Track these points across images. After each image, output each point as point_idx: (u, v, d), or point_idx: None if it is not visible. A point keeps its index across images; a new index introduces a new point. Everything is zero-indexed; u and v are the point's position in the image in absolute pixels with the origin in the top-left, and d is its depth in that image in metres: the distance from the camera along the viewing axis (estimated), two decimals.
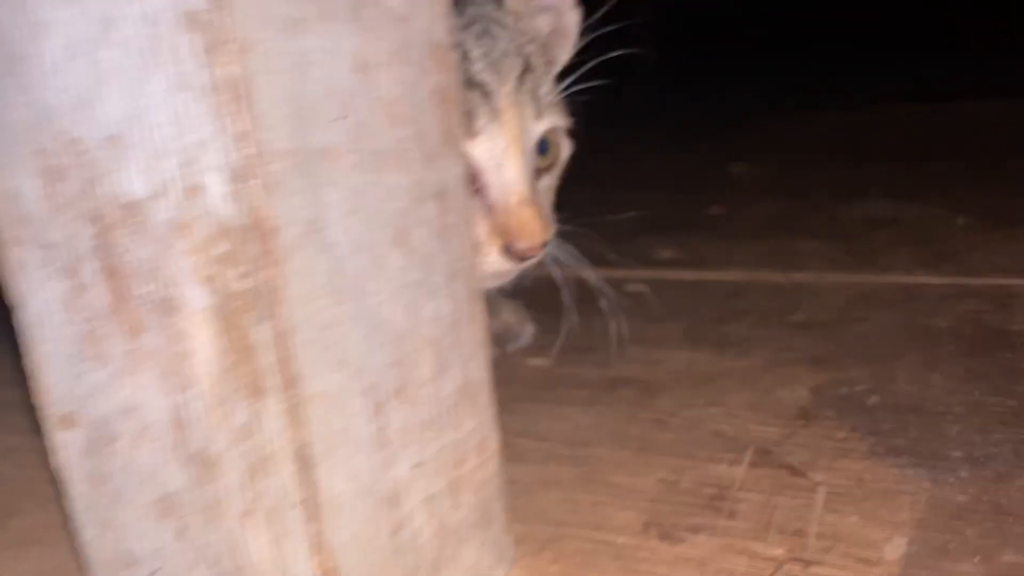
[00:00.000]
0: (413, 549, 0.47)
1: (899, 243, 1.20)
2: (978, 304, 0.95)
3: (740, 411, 0.76)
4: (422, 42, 0.46)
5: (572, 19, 0.80)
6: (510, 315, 0.94)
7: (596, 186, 1.73)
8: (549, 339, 0.94)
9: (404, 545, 0.46)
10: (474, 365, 0.52)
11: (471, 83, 0.67)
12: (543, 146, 0.74)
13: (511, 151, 0.68)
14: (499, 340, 0.93)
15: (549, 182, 0.76)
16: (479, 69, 0.67)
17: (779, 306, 1.01)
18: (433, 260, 0.47)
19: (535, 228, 0.68)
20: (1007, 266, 1.05)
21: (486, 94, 0.67)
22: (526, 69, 0.70)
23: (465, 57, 0.67)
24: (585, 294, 1.09)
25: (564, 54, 0.80)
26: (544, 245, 0.71)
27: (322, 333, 0.40)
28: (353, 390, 0.42)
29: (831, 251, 1.20)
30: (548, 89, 0.73)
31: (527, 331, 0.95)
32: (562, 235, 0.81)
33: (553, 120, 0.73)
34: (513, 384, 0.86)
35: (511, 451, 0.70)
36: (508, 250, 0.69)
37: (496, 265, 0.70)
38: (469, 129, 0.66)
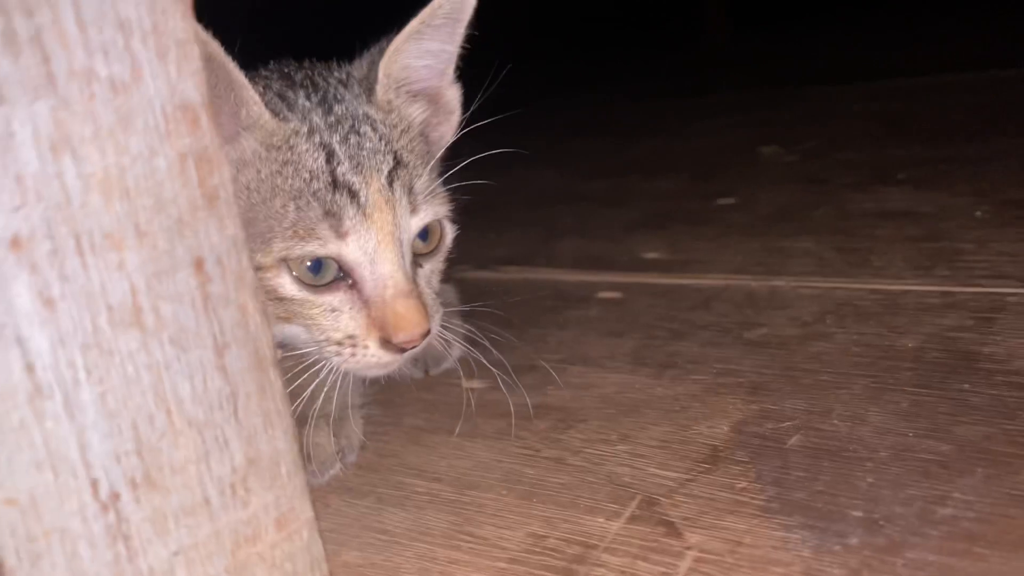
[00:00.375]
0: None
1: (900, 240, 1.10)
2: (959, 318, 0.87)
3: (649, 450, 0.71)
4: (157, 107, 0.42)
5: (453, 96, 0.78)
6: (435, 338, 0.91)
7: (611, 174, 1.67)
8: (517, 355, 0.90)
9: None
10: (265, 438, 0.49)
11: (338, 184, 0.66)
12: (423, 233, 0.72)
13: (383, 247, 0.67)
14: (424, 363, 0.90)
15: (433, 266, 0.75)
16: (345, 170, 0.66)
17: (744, 319, 0.95)
18: (191, 335, 0.45)
19: (413, 320, 0.67)
20: (1007, 271, 0.95)
21: (353, 194, 0.66)
22: (397, 165, 0.69)
23: (332, 158, 0.67)
24: (564, 303, 1.05)
25: (448, 132, 0.79)
26: (425, 335, 0.69)
27: (15, 434, 0.38)
28: (68, 487, 0.40)
29: (824, 250, 1.12)
30: (426, 181, 0.71)
31: (453, 353, 0.91)
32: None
33: (433, 211, 0.72)
34: (436, 412, 0.83)
35: (398, 494, 0.68)
36: (387, 343, 0.67)
37: (377, 357, 0.69)
38: (338, 229, 0.65)
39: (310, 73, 0.73)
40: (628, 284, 1.11)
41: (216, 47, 0.61)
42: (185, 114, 0.44)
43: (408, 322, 0.66)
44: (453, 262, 1.24)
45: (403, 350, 0.68)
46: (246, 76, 0.65)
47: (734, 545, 0.57)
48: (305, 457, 0.70)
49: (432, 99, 0.77)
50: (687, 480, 0.66)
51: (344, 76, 0.73)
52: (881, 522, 0.58)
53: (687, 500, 0.63)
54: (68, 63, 0.39)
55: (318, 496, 0.69)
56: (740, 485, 0.64)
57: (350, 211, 0.66)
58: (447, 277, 1.02)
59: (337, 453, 0.73)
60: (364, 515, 0.67)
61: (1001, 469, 0.61)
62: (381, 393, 0.87)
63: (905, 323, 0.88)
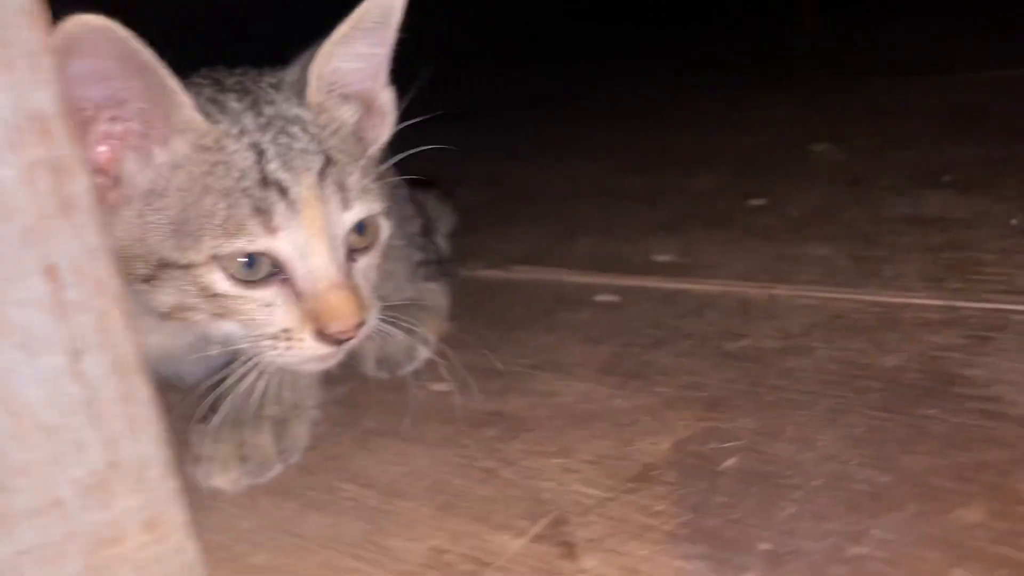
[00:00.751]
0: None
1: (921, 249, 1.04)
2: (954, 336, 0.81)
3: (581, 465, 0.69)
4: (3, 118, 0.43)
5: (386, 98, 0.78)
6: (401, 339, 0.90)
7: (650, 170, 1.64)
8: (487, 360, 0.90)
9: None
10: (129, 442, 0.49)
11: (267, 181, 0.67)
12: (360, 228, 0.72)
13: (314, 241, 0.67)
14: (388, 366, 0.90)
15: (369, 261, 0.74)
16: (275, 168, 0.67)
17: (730, 328, 0.91)
18: (41, 341, 0.46)
19: (346, 311, 0.67)
20: (1021, 286, 0.88)
21: (283, 191, 0.67)
22: (328, 163, 0.69)
23: (262, 157, 0.67)
24: (559, 305, 1.03)
25: (384, 133, 0.79)
26: (359, 326, 0.68)
27: None
28: None
29: (839, 258, 1.06)
30: (358, 178, 0.71)
31: (419, 355, 0.91)
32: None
33: (367, 207, 0.72)
34: (392, 415, 0.83)
35: (325, 498, 0.68)
36: (322, 334, 0.67)
37: (313, 350, 0.68)
38: (268, 225, 0.66)
39: (241, 78, 0.74)
40: (629, 288, 1.09)
41: (148, 54, 0.62)
42: (35, 124, 0.45)
43: (341, 312, 0.67)
44: (465, 259, 1.25)
45: (339, 341, 0.68)
46: (184, 81, 0.66)
47: (627, 572, 0.55)
48: (242, 457, 0.71)
49: (365, 101, 0.77)
50: (607, 499, 0.64)
51: (275, 80, 0.74)
52: (786, 557, 0.54)
53: (598, 520, 0.61)
54: None
55: (251, 496, 0.70)
56: (657, 508, 0.62)
57: (280, 207, 0.67)
58: (436, 276, 1.02)
59: (280, 454, 0.74)
60: (287, 518, 0.68)
61: (934, 506, 0.57)
62: (349, 394, 0.88)
63: (895, 340, 0.82)
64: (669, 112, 2.27)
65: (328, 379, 0.88)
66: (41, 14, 0.45)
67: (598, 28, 4.36)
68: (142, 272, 0.67)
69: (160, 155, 0.66)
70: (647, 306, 1.02)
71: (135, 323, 0.74)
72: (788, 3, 3.40)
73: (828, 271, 1.02)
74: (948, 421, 0.67)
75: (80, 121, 0.63)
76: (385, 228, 0.75)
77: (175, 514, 0.52)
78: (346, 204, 0.70)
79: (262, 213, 0.66)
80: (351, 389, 0.89)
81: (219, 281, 0.67)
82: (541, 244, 1.32)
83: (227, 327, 0.69)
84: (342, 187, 0.69)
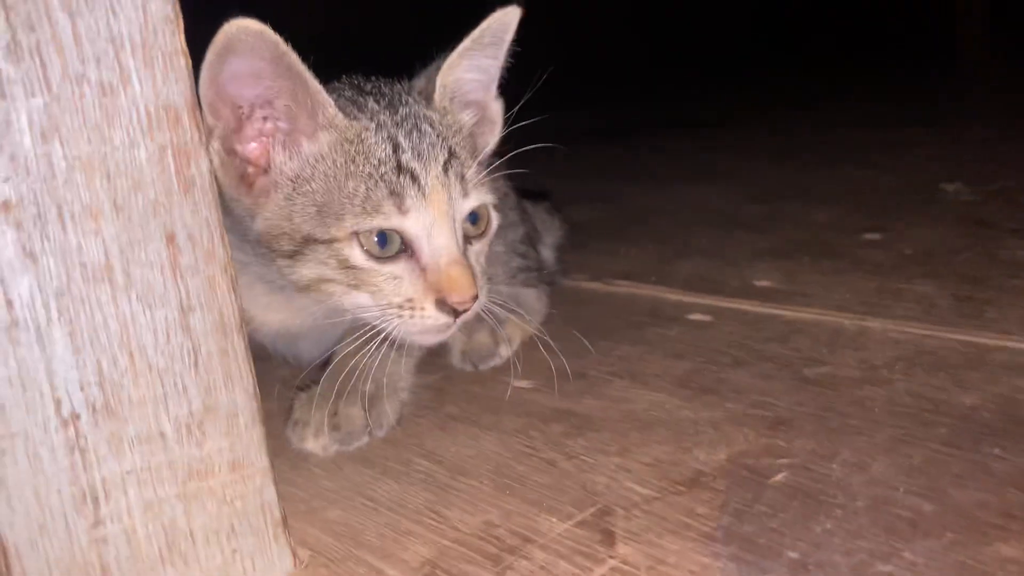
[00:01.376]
0: (120, 543, 0.55)
1: None
2: None
3: (637, 466, 0.72)
4: (141, 107, 0.52)
5: (495, 108, 0.88)
6: (485, 337, 0.96)
7: (773, 199, 1.64)
8: (576, 363, 0.94)
9: (107, 538, 0.54)
10: (224, 392, 0.57)
11: (402, 169, 0.76)
12: (474, 217, 0.81)
13: (439, 222, 0.76)
14: (472, 359, 0.96)
15: (480, 247, 0.83)
16: (408, 158, 0.76)
17: (813, 355, 0.92)
18: (158, 296, 0.54)
19: (465, 283, 0.75)
20: None
21: (415, 178, 0.76)
22: (451, 156, 0.78)
23: (397, 148, 0.77)
24: (652, 320, 1.07)
25: (492, 140, 0.88)
26: (474, 299, 0.76)
27: None
28: (34, 402, 0.51)
29: (941, 297, 1.05)
30: (475, 172, 0.80)
31: (502, 352, 0.96)
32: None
33: (480, 198, 0.81)
34: (474, 403, 0.89)
35: (401, 469, 0.75)
36: (442, 304, 0.76)
37: (433, 319, 0.77)
38: (401, 207, 0.75)
39: (377, 84, 0.83)
40: (723, 309, 1.11)
41: (295, 57, 0.71)
42: (168, 113, 0.53)
43: (460, 284, 0.75)
44: (570, 270, 1.30)
45: (456, 313, 0.76)
46: (323, 86, 0.75)
47: (655, 563, 0.59)
48: (334, 426, 0.79)
49: (480, 109, 0.86)
50: (654, 498, 0.67)
51: (406, 87, 0.84)
52: (811, 567, 0.56)
53: (641, 516, 0.65)
54: (62, 69, 0.50)
55: (336, 461, 0.78)
56: (700, 510, 0.65)
57: (412, 191, 0.75)
58: (534, 283, 1.07)
59: (368, 427, 0.81)
60: (365, 482, 0.74)
61: (973, 537, 0.58)
62: (438, 382, 0.95)
63: (978, 379, 0.81)
64: (807, 144, 2.25)
65: (420, 368, 0.95)
66: (180, 22, 0.53)
67: (748, 54, 4.31)
68: (287, 248, 0.76)
69: (307, 147, 0.76)
70: (736, 327, 1.04)
71: (264, 301, 0.84)
72: (951, 31, 3.27)
73: (927, 308, 1.01)
74: (1011, 461, 0.66)
75: (237, 117, 0.73)
76: (495, 219, 0.83)
77: (258, 459, 0.59)
78: (465, 192, 0.79)
79: (396, 196, 0.75)
80: (441, 378, 0.96)
81: (356, 255, 0.76)
82: (646, 262, 1.35)
83: (359, 298, 0.78)
84: (462, 178, 0.78)
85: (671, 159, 2.32)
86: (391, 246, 0.76)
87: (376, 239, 0.75)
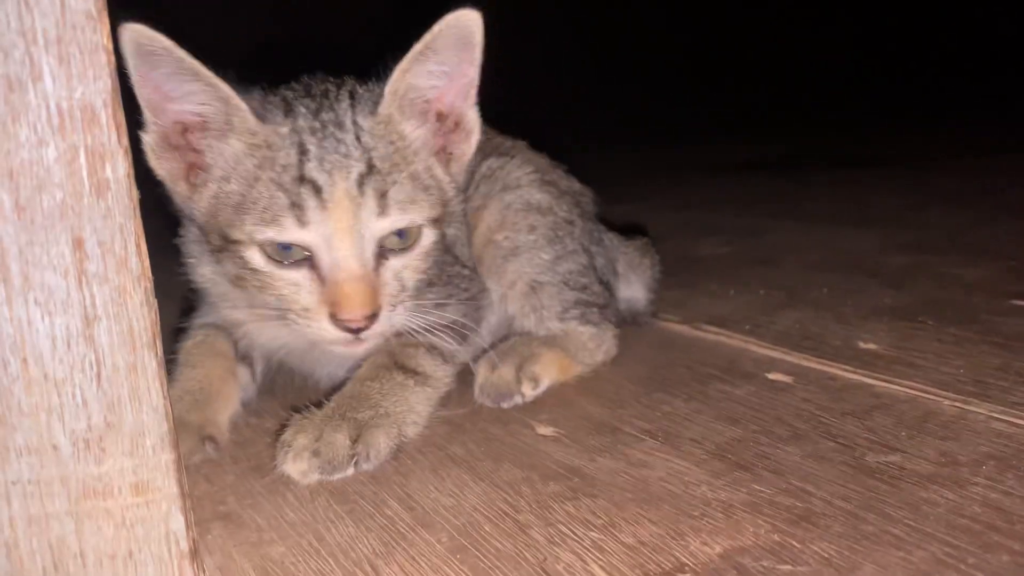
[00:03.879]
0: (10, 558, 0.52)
1: None
2: None
3: (615, 547, 0.63)
4: (52, 105, 0.50)
5: (472, 117, 0.83)
6: (509, 372, 0.88)
7: (919, 251, 1.45)
8: (614, 414, 0.86)
9: None
10: (130, 409, 0.54)
11: (304, 179, 0.73)
12: (401, 232, 0.77)
13: (339, 237, 0.73)
14: (490, 394, 0.89)
15: (405, 262, 0.78)
16: (313, 167, 0.74)
17: (888, 440, 0.78)
18: (59, 302, 0.52)
19: (357, 302, 0.73)
20: None
21: (317, 189, 0.73)
22: (370, 170, 0.74)
23: (304, 156, 0.74)
24: (723, 375, 0.97)
25: (469, 151, 0.84)
26: (370, 317, 0.74)
27: None
28: None
29: None
30: (406, 189, 0.76)
31: (524, 391, 0.88)
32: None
33: (408, 219, 0.77)
34: (483, 446, 0.81)
35: (368, 511, 0.70)
36: (335, 318, 0.74)
37: (328, 332, 0.75)
38: (300, 218, 0.73)
39: (324, 87, 0.81)
40: (809, 370, 0.97)
41: (193, 62, 0.71)
42: (83, 113, 0.51)
43: (352, 302, 0.73)
44: (665, 308, 1.19)
45: (350, 329, 0.74)
46: (270, 89, 0.79)
47: None
48: (315, 451, 0.74)
49: (453, 118, 0.82)
50: None
51: (354, 89, 0.80)
52: None
53: None
54: None
55: (315, 491, 0.73)
56: None
57: (311, 203, 0.73)
58: (595, 320, 0.98)
59: (352, 457, 0.76)
60: (325, 520, 0.69)
61: None
62: (462, 417, 0.88)
63: None
64: (981, 193, 1.99)
65: (450, 398, 0.90)
66: (104, 18, 0.50)
67: (936, 92, 3.94)
68: (216, 243, 0.77)
69: (228, 148, 0.75)
70: (815, 394, 0.90)
71: (268, 325, 0.83)
72: None
73: None
74: None
75: (172, 114, 0.74)
76: (429, 236, 0.79)
77: (165, 484, 0.55)
78: (383, 210, 0.75)
79: (296, 208, 0.73)
80: (467, 412, 0.90)
81: (255, 258, 0.75)
82: (748, 309, 1.22)
83: (268, 300, 0.77)
84: (382, 194, 0.74)
85: (826, 197, 2.13)
86: (293, 252, 0.75)
87: (278, 243, 0.74)
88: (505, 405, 0.88)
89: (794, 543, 0.61)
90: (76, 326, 0.52)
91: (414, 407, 0.82)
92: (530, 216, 0.97)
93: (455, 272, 0.92)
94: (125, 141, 0.52)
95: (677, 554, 0.61)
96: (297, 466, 0.75)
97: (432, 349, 0.85)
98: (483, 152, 1.01)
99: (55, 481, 0.53)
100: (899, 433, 0.79)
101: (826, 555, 0.59)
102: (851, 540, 0.61)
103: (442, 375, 0.86)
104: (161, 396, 0.55)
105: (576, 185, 1.11)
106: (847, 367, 0.96)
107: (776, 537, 0.62)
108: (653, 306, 1.19)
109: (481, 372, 0.89)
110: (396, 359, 0.83)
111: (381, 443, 0.78)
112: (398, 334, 0.82)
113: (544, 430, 0.84)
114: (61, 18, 0.49)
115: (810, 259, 1.50)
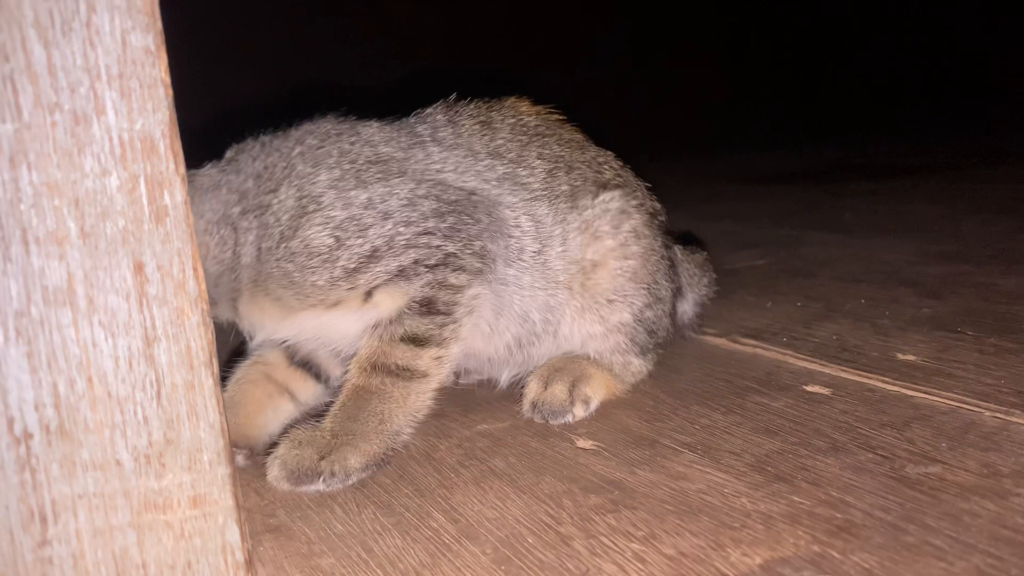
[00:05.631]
0: (66, 566, 0.55)
1: None
2: None
3: (656, 558, 0.64)
4: (115, 136, 0.53)
5: None
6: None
7: (964, 260, 1.44)
8: (653, 427, 0.87)
9: (53, 559, 0.55)
10: (188, 426, 0.56)
11: None
12: None
13: None
14: (542, 412, 0.90)
15: None
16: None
17: (928, 451, 0.78)
18: (122, 323, 0.54)
19: None
20: None
21: None
22: None
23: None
24: (761, 388, 0.98)
25: None
26: None
27: None
28: None
29: None
30: None
31: (576, 411, 0.89)
32: None
33: None
34: (525, 460, 0.83)
35: (415, 522, 0.71)
36: None
37: None
38: None
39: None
40: (847, 382, 0.97)
41: None
42: (143, 143, 0.53)
43: None
44: (701, 320, 1.20)
45: None
46: None
47: None
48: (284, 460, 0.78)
49: None
50: None
51: None
52: None
53: None
54: (35, 97, 0.51)
55: (360, 503, 0.75)
56: None
57: None
58: (646, 351, 0.99)
59: (319, 473, 0.78)
60: (373, 531, 0.71)
61: None
62: (503, 430, 0.90)
63: None
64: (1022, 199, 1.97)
65: (490, 412, 0.91)
66: (163, 54, 0.53)
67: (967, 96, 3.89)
68: None
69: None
70: (853, 406, 0.90)
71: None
72: None
73: None
74: None
75: None
76: None
77: (222, 497, 0.58)
78: None
79: None
80: (508, 426, 0.91)
81: None
82: (786, 321, 1.23)
83: None
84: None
85: (863, 207, 2.12)
86: None
87: None
88: (555, 423, 0.89)
89: (834, 554, 0.62)
90: (138, 346, 0.55)
91: (399, 414, 0.83)
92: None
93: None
94: (182, 169, 0.55)
95: (718, 565, 0.62)
96: (272, 471, 0.79)
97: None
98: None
99: (118, 494, 0.56)
100: (939, 444, 0.79)
101: (867, 566, 0.60)
102: (892, 551, 0.62)
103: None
104: (217, 413, 0.57)
105: (656, 204, 1.07)
106: (885, 379, 0.96)
107: (816, 548, 0.63)
108: (699, 319, 1.19)
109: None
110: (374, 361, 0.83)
111: (349, 460, 0.79)
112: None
113: (584, 443, 0.86)
114: (123, 54, 0.52)
115: (847, 270, 1.50)
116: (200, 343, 0.56)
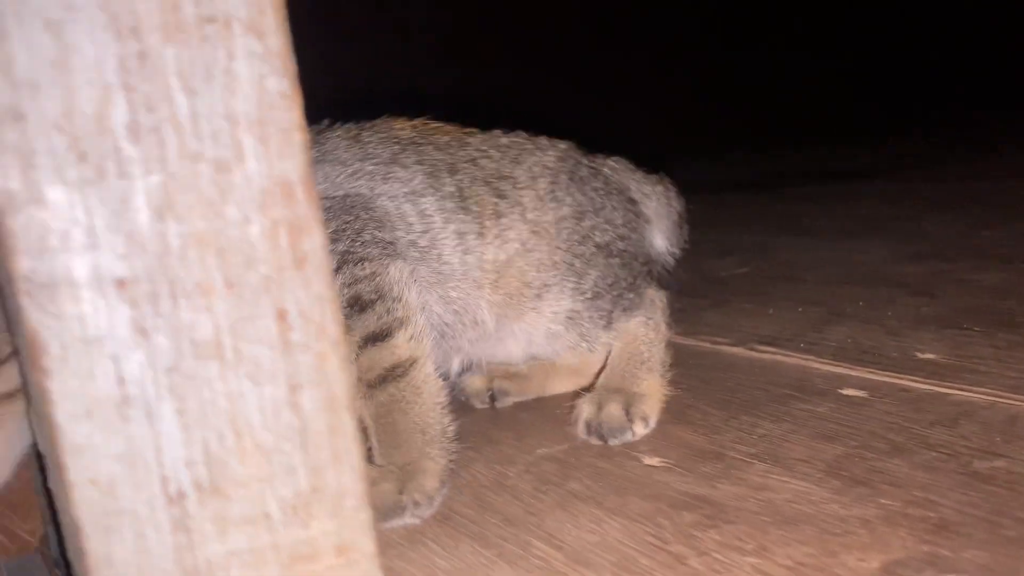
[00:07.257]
0: None
1: None
2: None
3: (777, 569, 0.65)
4: (255, 183, 0.52)
5: None
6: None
7: (940, 258, 1.51)
8: (713, 440, 0.89)
9: None
10: (332, 472, 0.55)
11: None
12: None
13: None
14: (599, 432, 0.91)
15: None
16: None
17: (986, 446, 0.82)
18: (266, 373, 0.53)
19: None
20: None
21: None
22: None
23: None
24: (798, 394, 1.00)
25: None
26: None
27: (103, 433, 0.49)
28: (141, 479, 0.50)
29: None
30: None
31: (636, 429, 0.90)
32: None
33: None
34: (600, 481, 0.84)
35: (518, 552, 0.70)
36: None
37: None
38: None
39: None
40: (880, 383, 1.01)
41: None
42: (282, 189, 0.52)
43: None
44: (713, 332, 1.23)
45: None
46: None
47: None
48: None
49: None
50: None
51: None
52: None
53: None
54: (179, 147, 0.50)
55: (454, 538, 0.74)
56: None
57: None
58: (633, 310, 1.01)
59: (401, 506, 0.78)
60: (479, 564, 0.71)
61: None
62: (565, 452, 0.90)
63: None
64: (975, 196, 2.08)
65: (543, 435, 0.92)
66: (298, 97, 0.52)
67: (915, 97, 4.09)
68: None
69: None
70: (895, 407, 0.94)
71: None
72: None
73: None
74: None
75: None
76: None
77: (365, 543, 0.57)
78: None
79: None
80: (566, 449, 0.92)
81: None
82: (794, 326, 1.27)
83: None
84: None
85: (821, 211, 2.21)
86: None
87: None
88: (612, 442, 0.90)
89: (944, 552, 0.65)
90: (282, 395, 0.54)
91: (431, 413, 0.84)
92: None
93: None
94: (320, 213, 0.54)
95: (838, 572, 0.64)
96: None
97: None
98: None
99: (267, 548, 0.54)
100: (994, 438, 0.83)
101: (981, 562, 0.63)
102: (997, 545, 0.65)
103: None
104: (359, 456, 0.56)
105: (549, 153, 1.05)
106: (916, 378, 1.01)
107: (925, 548, 0.66)
108: (679, 265, 1.18)
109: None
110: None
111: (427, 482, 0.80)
112: None
113: (651, 460, 0.87)
114: (260, 100, 0.51)
115: (830, 273, 1.56)
116: (341, 387, 0.55)
